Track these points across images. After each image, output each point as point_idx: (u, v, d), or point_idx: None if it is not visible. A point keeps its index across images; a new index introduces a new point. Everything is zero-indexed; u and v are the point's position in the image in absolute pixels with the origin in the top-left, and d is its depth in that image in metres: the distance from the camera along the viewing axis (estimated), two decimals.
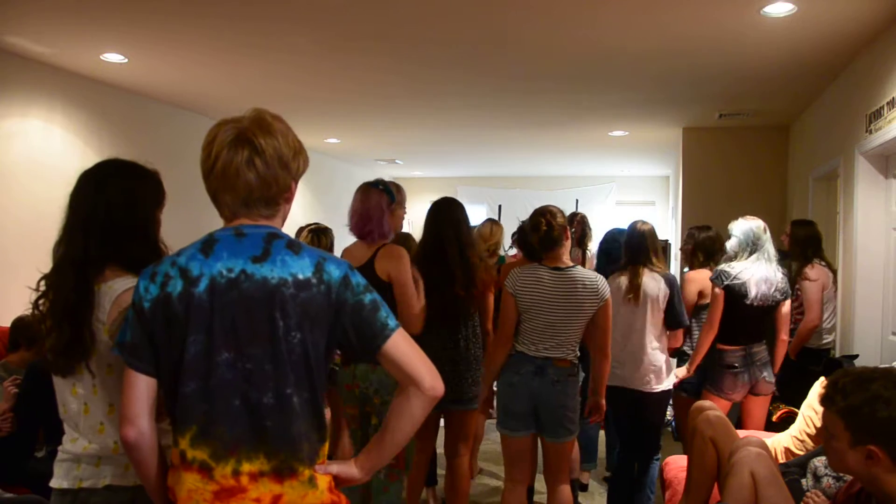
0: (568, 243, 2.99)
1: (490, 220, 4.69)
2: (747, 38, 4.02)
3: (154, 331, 1.38)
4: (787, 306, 3.57)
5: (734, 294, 3.47)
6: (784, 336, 3.60)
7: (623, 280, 3.41)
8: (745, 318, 3.50)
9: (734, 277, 3.47)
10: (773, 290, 3.49)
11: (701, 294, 3.85)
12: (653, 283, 3.38)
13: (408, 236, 3.96)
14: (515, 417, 2.93)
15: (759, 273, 3.48)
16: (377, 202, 2.95)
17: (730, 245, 3.63)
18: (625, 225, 3.68)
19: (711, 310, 3.54)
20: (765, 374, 3.54)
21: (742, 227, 3.58)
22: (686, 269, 4.47)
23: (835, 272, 4.31)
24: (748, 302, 3.45)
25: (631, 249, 3.46)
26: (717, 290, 3.50)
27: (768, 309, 3.53)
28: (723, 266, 3.57)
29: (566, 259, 2.97)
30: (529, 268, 3.00)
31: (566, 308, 2.89)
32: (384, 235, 2.96)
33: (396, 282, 2.83)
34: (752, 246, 3.53)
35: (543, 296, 2.91)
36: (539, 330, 2.91)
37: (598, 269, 3.88)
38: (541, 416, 2.90)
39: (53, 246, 1.67)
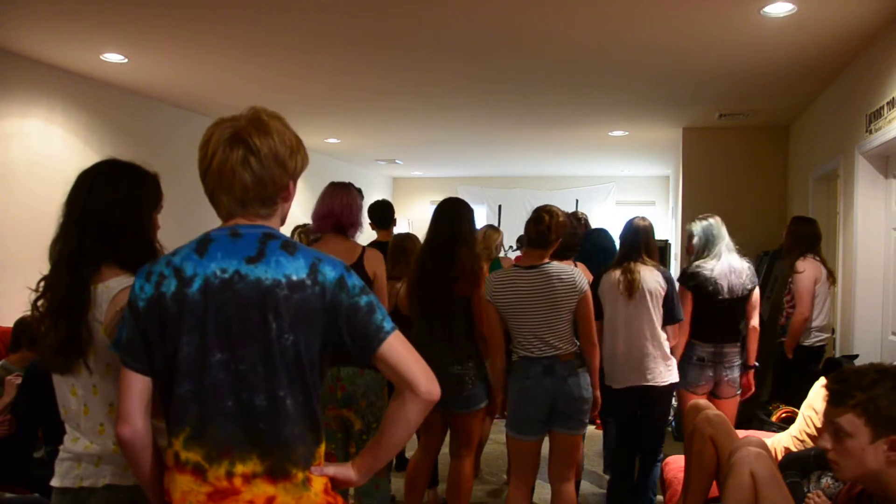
0: (553, 248, 3.02)
1: (487, 226, 4.82)
2: (747, 38, 4.01)
3: (148, 330, 1.38)
4: (755, 295, 3.63)
5: (706, 293, 3.53)
6: (754, 324, 3.65)
7: (616, 274, 3.40)
8: (716, 313, 3.54)
9: (704, 277, 3.54)
10: (742, 278, 3.56)
11: None
12: (651, 277, 3.37)
13: (408, 236, 3.95)
14: (530, 422, 2.91)
15: (725, 266, 3.55)
16: (354, 199, 3.03)
17: (695, 245, 3.70)
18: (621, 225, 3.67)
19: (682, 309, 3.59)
20: (730, 376, 3.57)
21: (698, 226, 3.69)
22: None
23: (830, 269, 4.30)
24: (721, 297, 3.52)
25: (624, 245, 3.48)
26: (685, 290, 3.57)
27: (739, 301, 3.56)
28: (691, 267, 3.64)
29: (546, 259, 2.98)
30: (504, 271, 3.03)
31: (545, 303, 2.88)
32: (359, 231, 3.08)
33: (378, 281, 2.95)
34: (713, 239, 3.62)
35: (520, 295, 2.91)
36: (527, 330, 2.90)
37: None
38: (558, 410, 2.88)
39: (50, 244, 1.67)
